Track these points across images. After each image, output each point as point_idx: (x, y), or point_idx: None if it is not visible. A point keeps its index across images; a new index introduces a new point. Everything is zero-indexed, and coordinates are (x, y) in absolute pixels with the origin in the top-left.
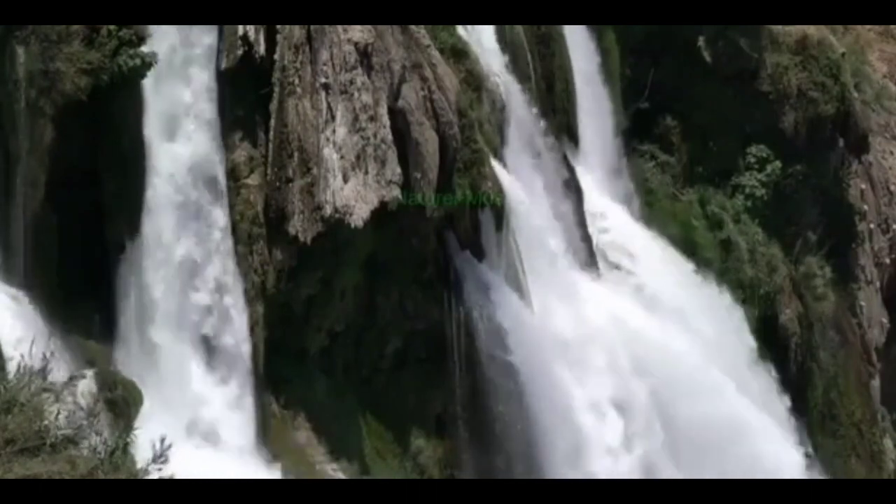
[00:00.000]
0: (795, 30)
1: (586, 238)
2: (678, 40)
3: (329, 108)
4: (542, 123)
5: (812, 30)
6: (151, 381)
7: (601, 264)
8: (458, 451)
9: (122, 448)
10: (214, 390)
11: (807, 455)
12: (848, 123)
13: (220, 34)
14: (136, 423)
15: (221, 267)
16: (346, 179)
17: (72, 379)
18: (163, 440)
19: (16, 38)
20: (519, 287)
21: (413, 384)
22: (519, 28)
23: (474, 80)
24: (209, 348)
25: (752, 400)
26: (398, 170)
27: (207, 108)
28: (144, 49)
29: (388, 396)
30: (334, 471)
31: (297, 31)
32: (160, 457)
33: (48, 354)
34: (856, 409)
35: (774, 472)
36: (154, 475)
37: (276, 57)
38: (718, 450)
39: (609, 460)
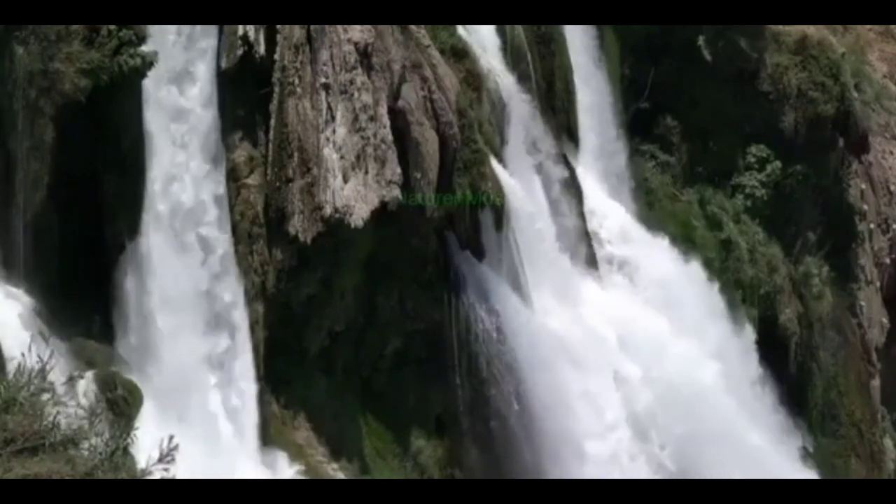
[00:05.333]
0: (795, 30)
1: (586, 238)
2: (678, 40)
3: (329, 108)
4: (542, 123)
5: (812, 30)
6: (152, 381)
7: (601, 264)
8: (458, 451)
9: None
10: (214, 390)
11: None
12: (848, 123)
13: (220, 34)
14: (137, 423)
15: (221, 267)
16: (346, 179)
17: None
18: (170, 439)
19: (16, 38)
20: (519, 287)
21: (413, 384)
22: (519, 28)
23: (474, 80)
24: (209, 348)
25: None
26: (398, 170)
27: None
28: (145, 48)
29: (388, 396)
30: (334, 471)
31: (297, 31)
32: (167, 456)
33: (48, 354)
34: (856, 409)
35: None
36: (158, 475)
37: (276, 57)
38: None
39: (609, 459)
